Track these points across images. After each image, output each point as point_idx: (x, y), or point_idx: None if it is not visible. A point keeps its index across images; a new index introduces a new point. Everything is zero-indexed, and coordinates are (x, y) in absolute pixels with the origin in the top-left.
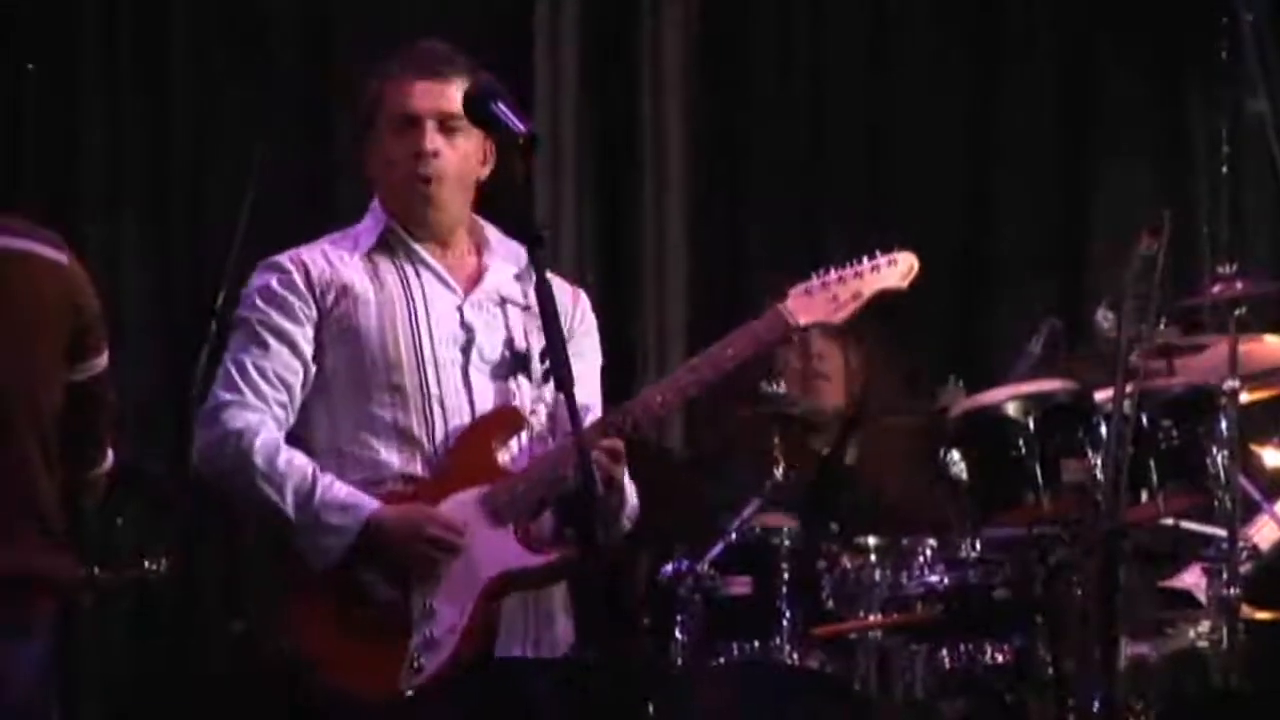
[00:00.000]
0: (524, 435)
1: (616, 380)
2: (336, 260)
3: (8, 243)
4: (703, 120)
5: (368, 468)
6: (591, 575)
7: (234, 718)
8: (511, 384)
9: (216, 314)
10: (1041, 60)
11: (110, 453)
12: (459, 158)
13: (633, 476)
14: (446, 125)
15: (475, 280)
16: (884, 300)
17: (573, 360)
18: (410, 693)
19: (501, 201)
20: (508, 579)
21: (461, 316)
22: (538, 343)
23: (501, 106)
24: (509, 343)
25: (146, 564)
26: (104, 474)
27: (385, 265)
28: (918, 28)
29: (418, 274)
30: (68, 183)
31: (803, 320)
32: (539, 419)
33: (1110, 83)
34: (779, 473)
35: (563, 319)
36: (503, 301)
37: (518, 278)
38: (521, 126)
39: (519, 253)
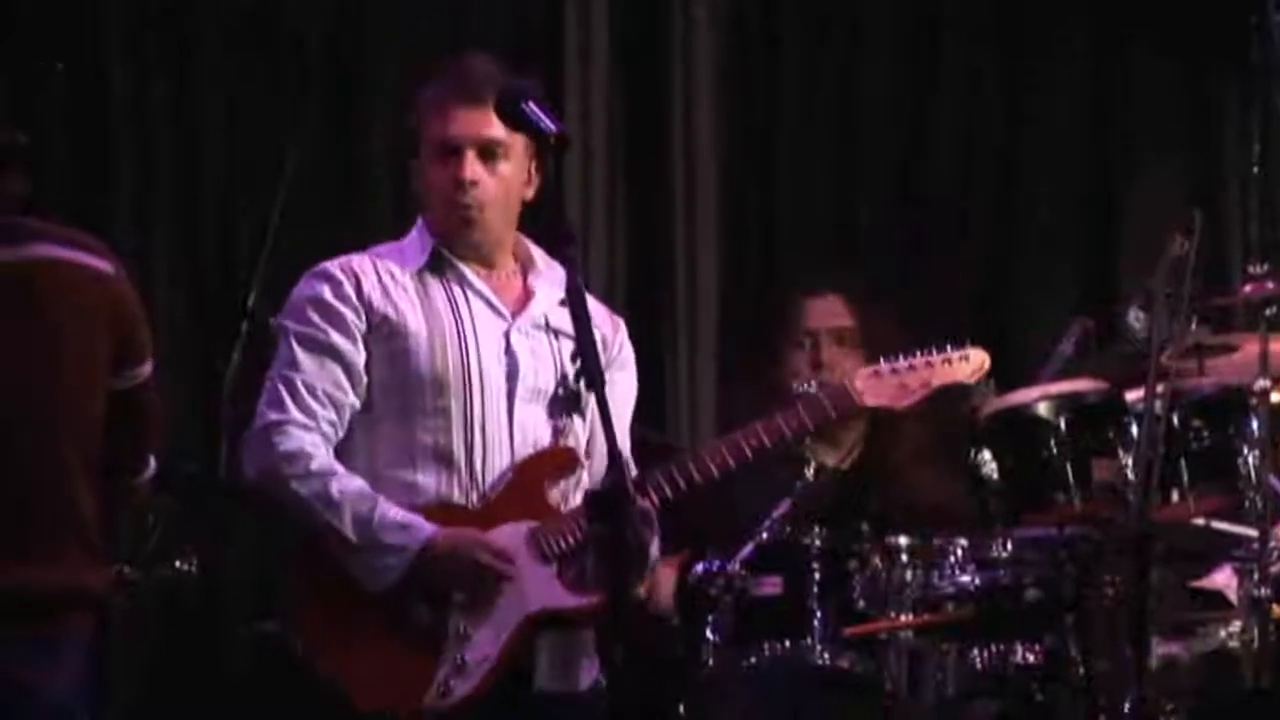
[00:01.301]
0: (577, 477)
1: (648, 377)
2: (386, 275)
3: (41, 251)
4: (734, 119)
5: (403, 490)
6: (617, 623)
7: (262, 718)
8: (562, 421)
9: (249, 314)
10: (1073, 59)
11: (152, 460)
12: (499, 184)
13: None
14: (487, 152)
15: (522, 304)
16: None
17: (607, 391)
18: (434, 714)
19: (532, 202)
20: (546, 616)
21: (507, 342)
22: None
23: (532, 107)
24: (563, 379)
25: (176, 564)
26: (145, 482)
27: (434, 285)
28: (949, 23)
29: (466, 298)
30: (98, 184)
31: (869, 401)
32: (593, 461)
33: (1141, 82)
34: (810, 473)
35: (601, 348)
36: (554, 332)
37: (564, 303)
38: (553, 127)
39: (564, 276)
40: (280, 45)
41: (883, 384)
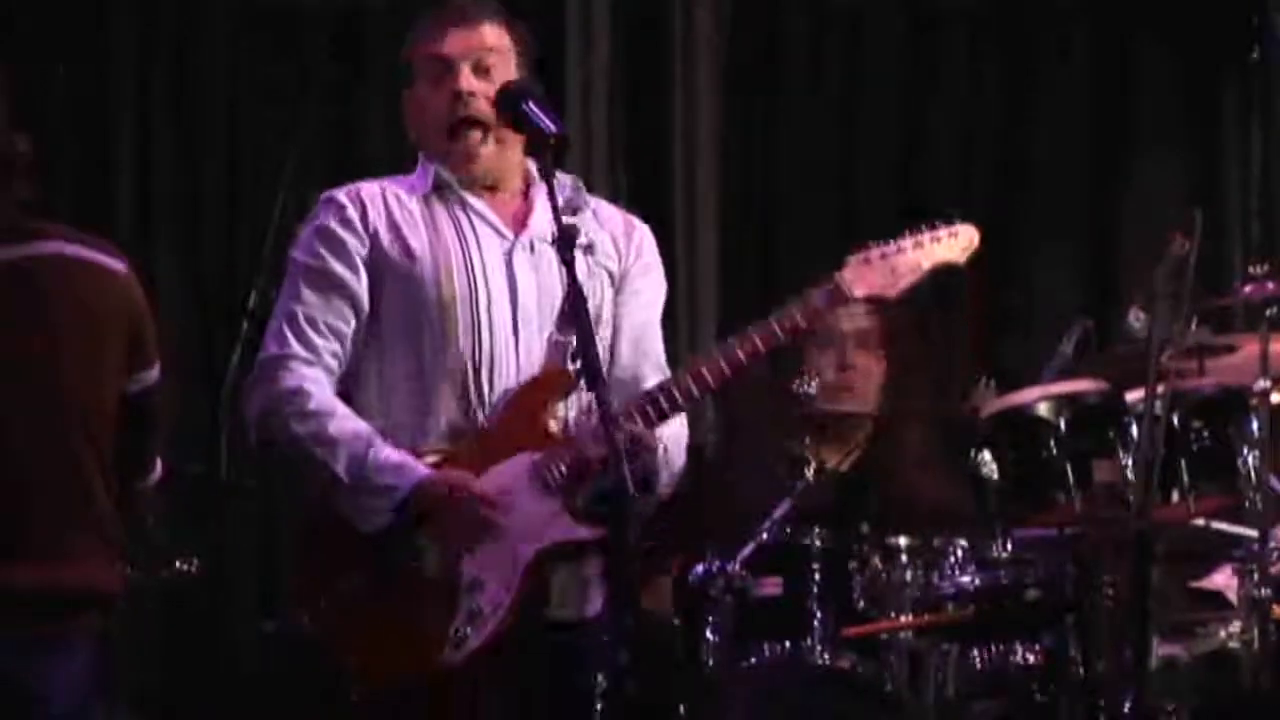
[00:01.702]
0: (575, 397)
1: None
2: (393, 199)
3: (48, 248)
4: (734, 125)
5: (415, 420)
6: (618, 565)
7: (265, 718)
8: (570, 335)
9: (249, 314)
10: (1075, 60)
11: (158, 464)
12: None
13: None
14: (480, 65)
15: (523, 220)
16: (940, 273)
17: (630, 298)
18: (461, 663)
19: None
20: (555, 550)
21: (509, 262)
22: (602, 290)
23: (532, 105)
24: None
25: (178, 564)
26: (149, 486)
27: (439, 209)
28: (952, 29)
29: (470, 221)
30: (98, 185)
31: (859, 292)
32: (618, 362)
33: (1143, 82)
34: (810, 474)
35: (615, 256)
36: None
37: (571, 209)
38: (552, 126)
39: (565, 182)
40: (285, 47)
41: (873, 271)
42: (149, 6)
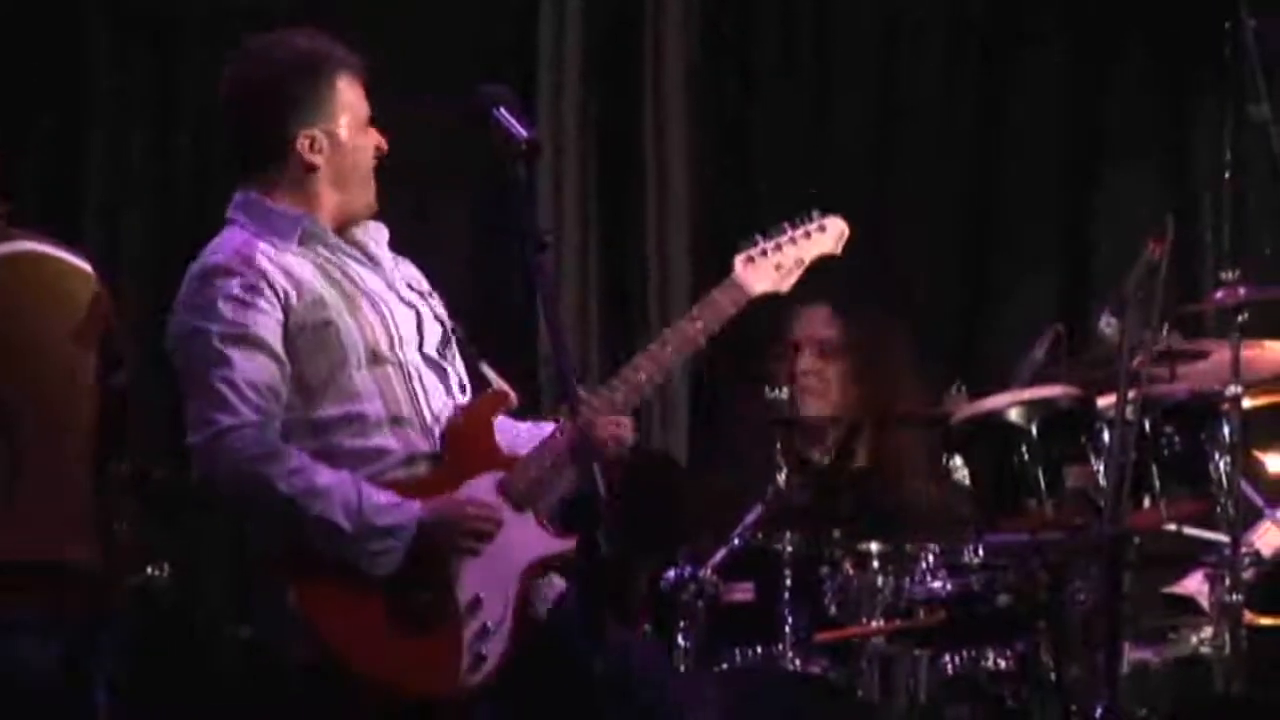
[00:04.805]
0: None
1: None
2: (278, 257)
3: (23, 246)
4: (706, 124)
5: (369, 459)
6: (592, 577)
7: None
8: (449, 360)
9: None
10: (1048, 64)
11: (120, 466)
12: None
13: (640, 484)
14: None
15: (373, 259)
16: (820, 266)
17: (433, 299)
18: (481, 683)
19: (504, 208)
20: (542, 565)
21: (398, 292)
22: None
23: (503, 113)
24: (441, 322)
25: (149, 570)
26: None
27: (316, 256)
28: (927, 28)
29: (346, 262)
30: (69, 186)
31: (757, 289)
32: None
33: (1115, 87)
34: (781, 479)
35: (388, 266)
36: (407, 285)
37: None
38: (524, 133)
39: (384, 230)
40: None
41: (761, 269)
42: (124, 9)
